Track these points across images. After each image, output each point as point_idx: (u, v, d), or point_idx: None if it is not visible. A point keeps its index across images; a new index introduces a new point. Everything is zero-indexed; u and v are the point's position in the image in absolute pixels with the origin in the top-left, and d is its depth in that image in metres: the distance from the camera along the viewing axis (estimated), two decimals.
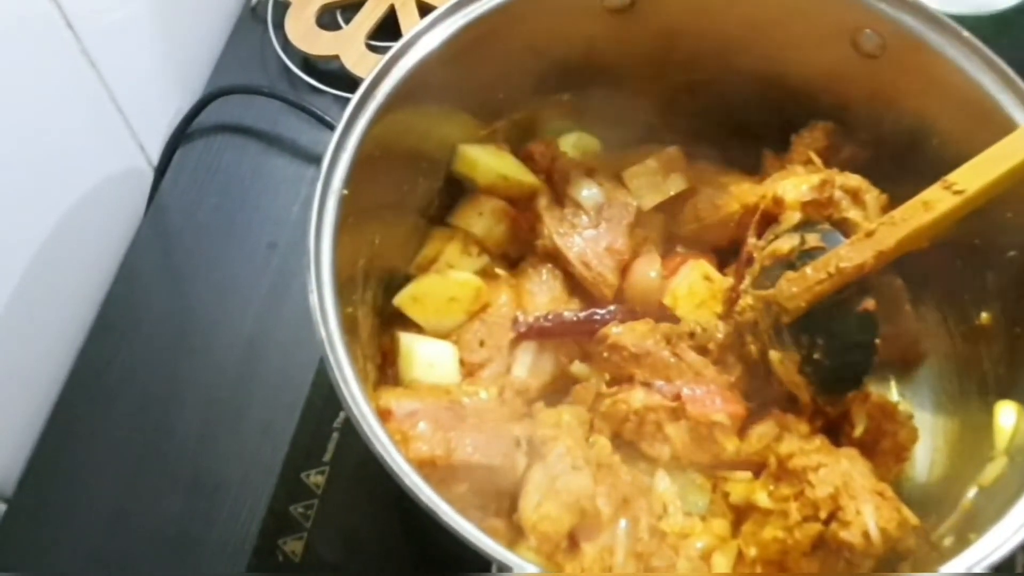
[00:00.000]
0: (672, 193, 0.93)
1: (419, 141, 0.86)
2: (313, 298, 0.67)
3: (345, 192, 0.72)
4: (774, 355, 0.79)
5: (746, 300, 0.81)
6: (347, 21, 1.20)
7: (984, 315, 0.82)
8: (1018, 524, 0.62)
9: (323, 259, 0.69)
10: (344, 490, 0.91)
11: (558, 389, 0.86)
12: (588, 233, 0.89)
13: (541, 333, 0.86)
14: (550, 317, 0.86)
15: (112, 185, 1.09)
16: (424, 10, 1.19)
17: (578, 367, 0.86)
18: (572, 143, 0.95)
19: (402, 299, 0.86)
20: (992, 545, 0.61)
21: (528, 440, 0.78)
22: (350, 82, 1.15)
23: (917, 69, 0.81)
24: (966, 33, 0.78)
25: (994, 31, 0.87)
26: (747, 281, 0.81)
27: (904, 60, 0.81)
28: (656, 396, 0.80)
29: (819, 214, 0.83)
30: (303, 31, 1.18)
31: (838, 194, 0.83)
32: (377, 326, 0.85)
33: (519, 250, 0.93)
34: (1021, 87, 0.76)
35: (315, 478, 0.91)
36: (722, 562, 0.76)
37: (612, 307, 0.87)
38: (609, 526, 0.75)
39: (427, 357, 0.84)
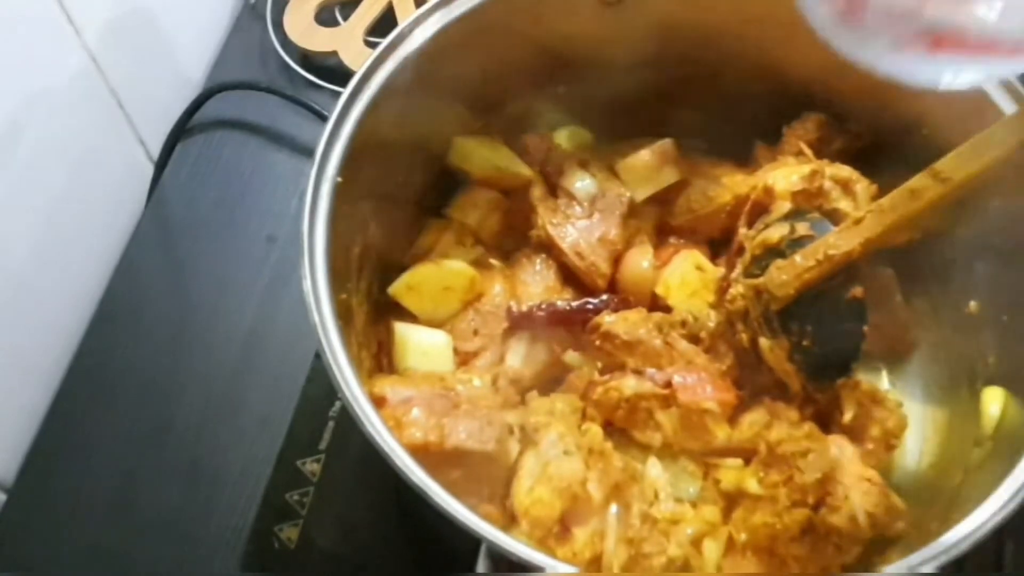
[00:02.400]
0: (665, 184, 0.93)
1: (413, 133, 0.86)
2: (306, 283, 0.68)
3: (339, 180, 0.73)
4: (764, 343, 0.79)
5: (737, 289, 0.81)
6: (345, 17, 1.21)
7: (973, 304, 0.82)
8: (999, 504, 0.63)
9: (317, 244, 0.69)
10: (339, 477, 0.91)
11: (551, 378, 0.87)
12: (581, 224, 0.90)
13: (534, 322, 0.86)
14: (543, 307, 0.86)
15: (112, 179, 1.11)
16: (421, 5, 1.20)
17: (571, 356, 0.87)
18: (566, 136, 0.96)
19: (397, 288, 0.87)
20: (972, 526, 0.62)
21: (521, 427, 0.78)
22: (348, 78, 1.14)
23: None
24: None
25: None
26: (738, 270, 0.82)
27: None
28: (648, 384, 0.81)
29: (809, 204, 0.83)
30: (302, 27, 1.19)
31: (828, 184, 0.84)
32: (372, 315, 0.85)
33: (513, 241, 0.93)
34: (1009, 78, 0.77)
35: (311, 466, 0.92)
36: (713, 548, 0.77)
37: (605, 297, 0.87)
38: (600, 511, 0.75)
39: (421, 345, 0.84)
